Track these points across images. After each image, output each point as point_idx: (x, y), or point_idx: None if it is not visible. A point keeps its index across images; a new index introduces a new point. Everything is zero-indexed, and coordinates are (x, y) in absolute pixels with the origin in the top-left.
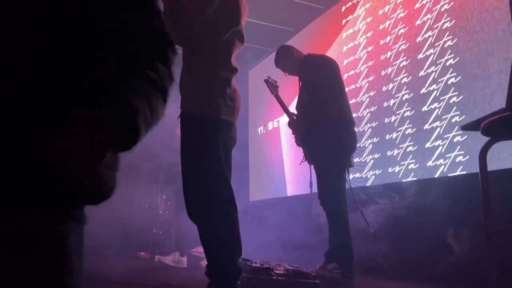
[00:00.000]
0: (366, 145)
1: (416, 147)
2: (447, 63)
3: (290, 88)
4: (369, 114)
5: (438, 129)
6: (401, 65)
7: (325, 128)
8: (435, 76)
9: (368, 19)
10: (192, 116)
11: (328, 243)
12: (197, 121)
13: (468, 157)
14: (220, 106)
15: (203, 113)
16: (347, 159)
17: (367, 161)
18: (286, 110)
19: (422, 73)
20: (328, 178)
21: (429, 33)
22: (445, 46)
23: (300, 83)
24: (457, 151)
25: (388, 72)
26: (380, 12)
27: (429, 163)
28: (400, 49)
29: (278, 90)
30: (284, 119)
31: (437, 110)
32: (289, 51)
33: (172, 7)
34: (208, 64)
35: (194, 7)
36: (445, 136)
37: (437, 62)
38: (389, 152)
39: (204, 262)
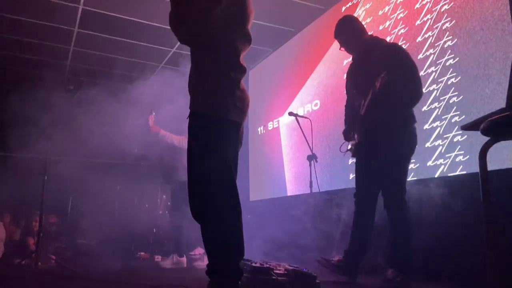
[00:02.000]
0: None
1: (416, 146)
2: (447, 63)
3: (291, 86)
4: None
5: (438, 129)
6: None
7: (410, 123)
8: (435, 76)
9: (368, 20)
10: (200, 116)
11: (352, 240)
12: (205, 121)
13: (468, 157)
14: (229, 106)
15: (211, 113)
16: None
17: None
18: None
19: (422, 73)
20: (400, 179)
21: (429, 33)
22: (445, 46)
23: (358, 64)
24: (457, 151)
25: None
26: (380, 12)
27: (429, 163)
28: None
29: None
30: (284, 119)
31: (437, 110)
32: (358, 26)
33: (178, 5)
34: (217, 64)
35: (201, 5)
36: (445, 136)
37: (437, 62)
38: None
39: (198, 264)
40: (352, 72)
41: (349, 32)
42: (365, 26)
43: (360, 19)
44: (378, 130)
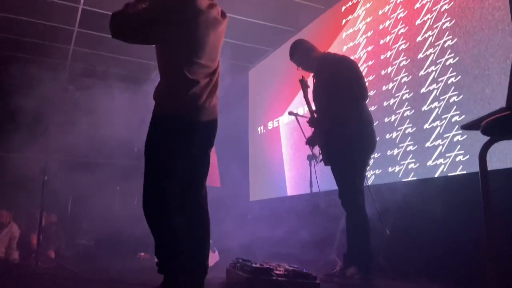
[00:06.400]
0: None
1: (416, 146)
2: (447, 63)
3: (291, 85)
4: None
5: (438, 128)
6: (401, 64)
7: (349, 127)
8: (435, 76)
9: (368, 19)
10: (154, 117)
11: (347, 244)
12: (156, 122)
13: (468, 156)
14: (179, 105)
15: (162, 114)
16: (368, 158)
17: None
18: (310, 108)
19: (422, 72)
20: (349, 178)
21: (429, 33)
22: (445, 46)
23: (315, 80)
24: (457, 151)
25: (388, 72)
26: (380, 12)
27: (429, 163)
28: (400, 48)
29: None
30: (284, 118)
31: (437, 109)
32: (308, 47)
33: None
34: (171, 65)
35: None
36: (445, 136)
37: (437, 61)
38: (389, 151)
39: None
40: (313, 86)
41: (302, 53)
42: (315, 45)
43: (360, 19)
44: (328, 130)
